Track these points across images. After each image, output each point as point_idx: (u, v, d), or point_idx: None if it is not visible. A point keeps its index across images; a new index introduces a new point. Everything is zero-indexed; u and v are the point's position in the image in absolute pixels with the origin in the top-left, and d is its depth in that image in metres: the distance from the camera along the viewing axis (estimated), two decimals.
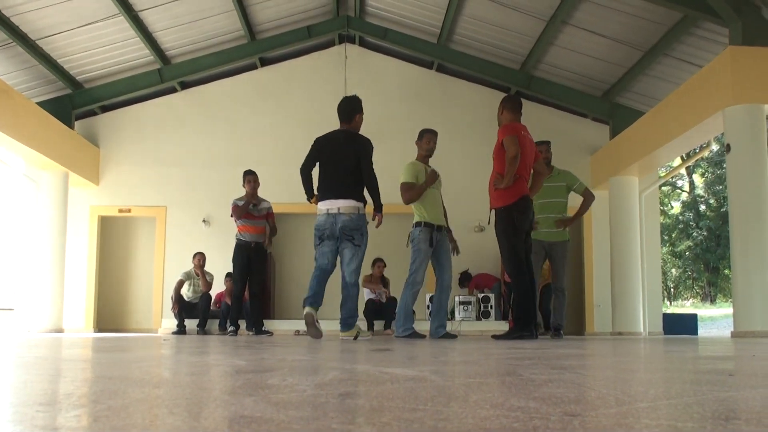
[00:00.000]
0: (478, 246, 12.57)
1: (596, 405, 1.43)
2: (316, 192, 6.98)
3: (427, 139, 7.62)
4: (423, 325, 8.65)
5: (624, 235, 12.62)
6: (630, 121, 12.41)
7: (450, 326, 8.58)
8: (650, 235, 13.42)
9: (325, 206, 6.81)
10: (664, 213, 33.44)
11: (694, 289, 39.15)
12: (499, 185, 6.64)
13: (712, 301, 35.43)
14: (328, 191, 6.81)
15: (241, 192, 9.90)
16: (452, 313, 11.51)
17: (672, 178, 31.22)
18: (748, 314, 8.68)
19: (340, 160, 6.83)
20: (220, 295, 11.80)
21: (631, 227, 12.65)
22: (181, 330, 11.18)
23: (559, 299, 8.27)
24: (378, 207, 6.90)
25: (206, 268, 11.67)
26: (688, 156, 15.95)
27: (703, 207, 35.70)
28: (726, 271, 31.66)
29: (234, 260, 9.72)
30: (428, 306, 10.98)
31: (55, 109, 12.43)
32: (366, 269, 11.80)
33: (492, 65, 13.31)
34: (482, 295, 11.89)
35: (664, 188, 31.77)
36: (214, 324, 11.28)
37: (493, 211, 6.89)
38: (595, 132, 13.78)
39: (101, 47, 12.07)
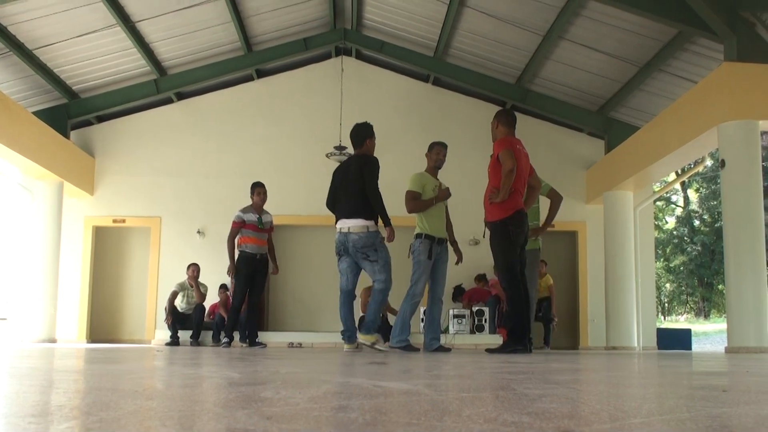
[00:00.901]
0: (472, 259, 12.55)
1: (590, 420, 1.43)
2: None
3: (437, 151, 7.73)
4: (417, 338, 8.63)
5: (618, 249, 12.64)
6: (625, 136, 12.46)
7: (444, 339, 8.56)
8: (645, 250, 13.44)
9: (338, 225, 7.22)
10: (658, 228, 33.49)
11: (688, 304, 39.19)
12: (494, 199, 6.64)
13: (706, 316, 35.47)
14: (340, 212, 7.24)
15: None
16: (446, 329, 11.49)
17: (666, 193, 31.29)
18: (742, 330, 8.69)
19: (350, 182, 7.17)
20: (214, 307, 11.77)
21: (626, 242, 12.68)
22: (174, 341, 11.14)
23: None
24: (385, 222, 7.12)
25: (200, 280, 11.64)
26: (683, 171, 16.00)
27: (697, 222, 35.77)
28: (720, 287, 31.70)
29: (237, 272, 9.50)
30: (422, 319, 10.96)
31: (50, 118, 12.42)
32: (367, 281, 11.79)
33: (488, 79, 13.35)
34: (476, 308, 11.88)
35: (658, 203, 31.85)
36: (207, 335, 11.24)
37: (488, 225, 6.90)
38: (590, 147, 13.83)
39: (98, 57, 12.08)
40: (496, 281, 12.13)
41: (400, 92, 13.93)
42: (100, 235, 13.67)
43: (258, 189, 9.68)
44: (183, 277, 11.72)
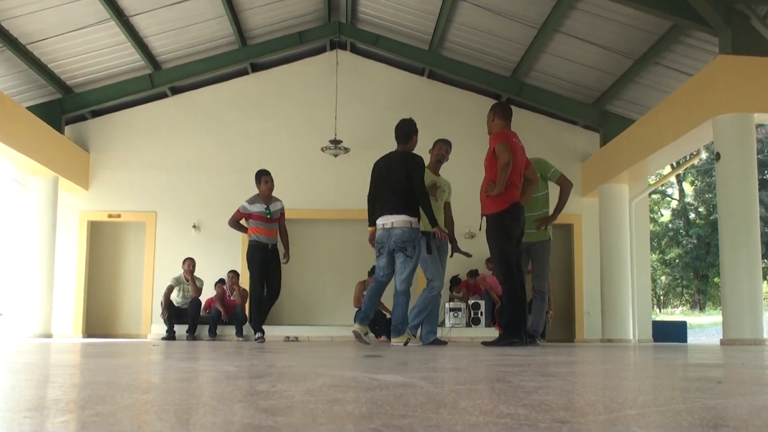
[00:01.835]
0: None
1: (585, 412, 1.43)
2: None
3: (438, 147, 7.79)
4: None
5: (614, 242, 12.65)
6: (620, 129, 12.47)
7: (440, 333, 8.57)
8: (640, 243, 13.46)
9: (381, 222, 7.16)
10: (653, 221, 33.53)
11: (683, 296, 39.27)
12: (490, 192, 6.64)
13: (702, 308, 35.54)
14: (383, 208, 7.17)
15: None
16: (442, 322, 11.51)
17: (662, 186, 31.32)
18: (737, 322, 8.72)
19: (394, 179, 7.14)
20: (210, 301, 11.77)
21: (621, 235, 12.69)
22: (170, 336, 11.15)
23: (537, 302, 7.64)
24: (432, 222, 7.11)
25: (196, 274, 11.65)
26: (678, 164, 16.03)
27: (692, 215, 35.84)
28: (715, 279, 31.76)
29: (251, 260, 9.10)
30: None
31: (45, 113, 12.37)
32: (361, 275, 11.83)
33: (483, 72, 13.34)
34: (472, 302, 11.91)
35: (653, 196, 31.87)
36: (203, 330, 11.25)
37: (485, 218, 6.90)
38: (585, 139, 13.84)
39: (92, 52, 12.03)
40: (483, 277, 12.15)
41: (395, 86, 13.91)
42: (96, 230, 13.64)
43: (264, 177, 9.20)
44: (179, 271, 11.71)
